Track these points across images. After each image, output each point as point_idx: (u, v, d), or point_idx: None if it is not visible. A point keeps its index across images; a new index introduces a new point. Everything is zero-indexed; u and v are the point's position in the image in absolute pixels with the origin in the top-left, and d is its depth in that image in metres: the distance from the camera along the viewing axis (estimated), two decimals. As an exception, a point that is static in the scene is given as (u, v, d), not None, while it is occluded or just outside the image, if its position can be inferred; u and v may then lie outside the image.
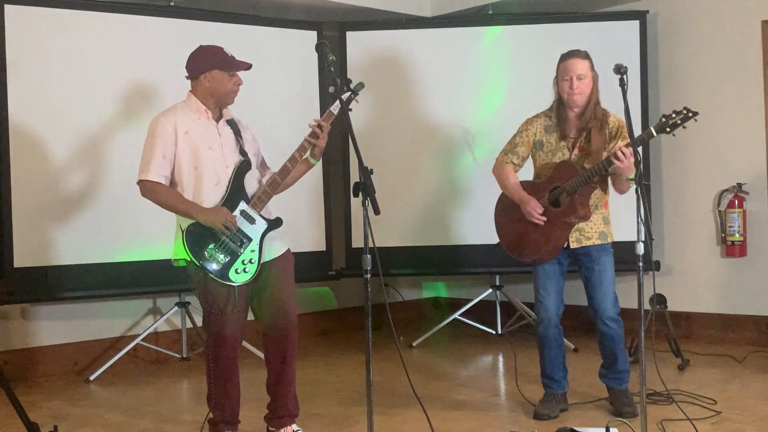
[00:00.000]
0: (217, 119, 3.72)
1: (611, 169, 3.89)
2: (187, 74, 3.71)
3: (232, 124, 3.76)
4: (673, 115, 3.77)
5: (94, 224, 5.34)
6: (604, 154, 3.97)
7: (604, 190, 4.14)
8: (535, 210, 4.06)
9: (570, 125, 4.09)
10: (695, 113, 3.74)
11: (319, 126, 3.67)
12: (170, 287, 5.56)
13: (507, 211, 4.27)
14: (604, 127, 4.04)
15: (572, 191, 3.97)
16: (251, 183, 3.74)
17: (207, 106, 3.69)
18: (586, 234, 4.11)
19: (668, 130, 3.78)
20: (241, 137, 3.75)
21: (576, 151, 4.08)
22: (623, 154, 3.76)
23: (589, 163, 4.00)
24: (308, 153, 3.74)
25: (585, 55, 4.04)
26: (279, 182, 3.70)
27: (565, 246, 4.11)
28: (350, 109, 3.57)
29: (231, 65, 3.66)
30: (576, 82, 3.97)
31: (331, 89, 3.48)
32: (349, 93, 3.63)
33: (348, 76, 6.20)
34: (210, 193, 3.64)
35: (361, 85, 3.66)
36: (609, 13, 6.28)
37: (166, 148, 3.61)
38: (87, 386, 5.24)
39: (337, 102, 3.50)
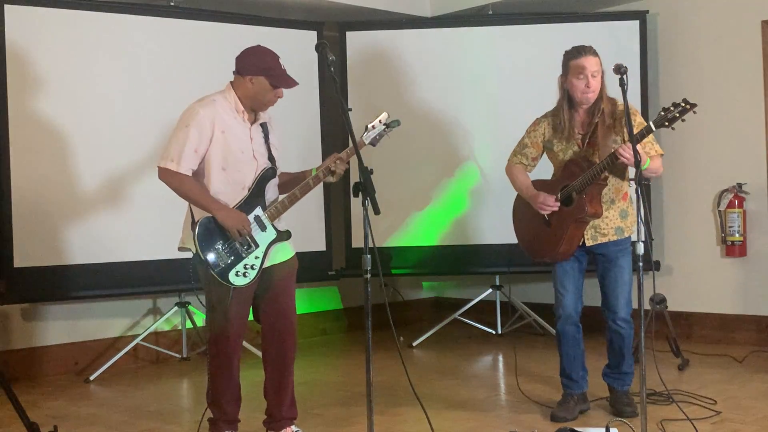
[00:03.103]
0: (252, 122, 3.71)
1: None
2: (235, 68, 3.68)
3: (264, 126, 3.75)
4: (672, 108, 3.71)
5: (94, 224, 5.34)
6: (616, 143, 3.93)
7: (622, 179, 4.07)
8: (545, 202, 4.02)
9: (577, 123, 4.05)
10: (693, 105, 3.68)
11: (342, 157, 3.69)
12: (170, 287, 5.56)
13: (521, 212, 4.26)
14: (614, 120, 3.98)
15: (580, 190, 3.94)
16: (271, 190, 3.75)
17: (244, 107, 3.67)
18: (601, 231, 4.06)
19: (667, 124, 3.73)
20: (269, 141, 3.75)
21: (586, 147, 4.03)
22: (622, 152, 3.73)
23: (600, 158, 3.93)
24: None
25: (595, 51, 3.97)
26: (298, 197, 3.70)
27: (581, 244, 4.08)
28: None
29: (279, 80, 3.63)
30: (591, 80, 3.91)
31: (369, 125, 3.64)
32: (383, 127, 3.69)
33: (348, 77, 6.23)
34: (233, 194, 3.63)
35: (397, 123, 3.70)
36: (609, 13, 6.28)
37: (200, 142, 3.58)
38: (87, 386, 5.24)
39: (370, 133, 3.66)
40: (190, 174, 3.60)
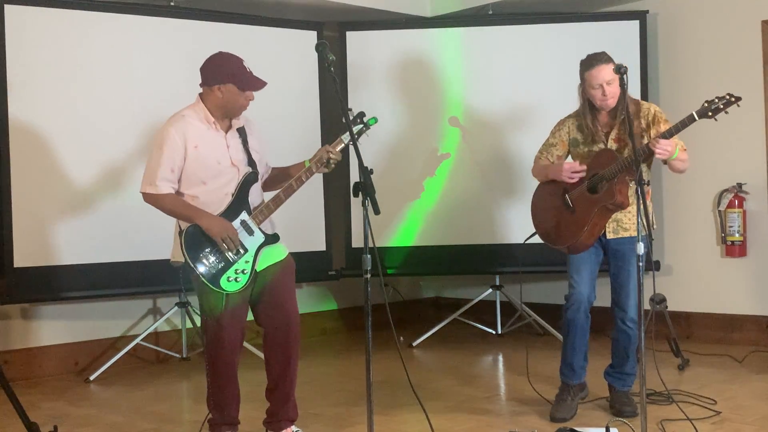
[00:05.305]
0: (226, 129, 3.69)
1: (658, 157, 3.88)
2: (201, 79, 3.67)
3: (241, 131, 3.74)
4: (716, 100, 3.76)
5: (94, 224, 5.33)
6: (643, 141, 3.95)
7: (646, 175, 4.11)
8: (572, 168, 4.02)
9: (600, 124, 4.09)
10: (738, 98, 3.74)
11: (330, 156, 3.67)
12: (170, 287, 5.55)
13: (542, 201, 4.26)
14: (639, 120, 4.02)
15: (611, 177, 3.95)
16: (255, 194, 3.74)
17: (215, 117, 3.65)
18: (623, 225, 4.08)
19: (710, 114, 3.77)
20: (248, 145, 3.74)
21: (611, 143, 4.06)
22: (657, 144, 3.78)
23: (627, 153, 3.96)
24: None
25: (607, 59, 3.98)
26: (283, 199, 3.69)
27: (601, 234, 4.08)
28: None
29: (247, 83, 3.61)
30: (607, 88, 3.95)
31: (345, 119, 3.53)
32: (361, 126, 3.67)
33: (348, 77, 6.23)
34: (218, 203, 3.63)
35: (374, 120, 3.69)
36: (609, 13, 6.28)
37: (175, 162, 3.59)
38: (87, 386, 5.24)
39: (348, 132, 3.55)
40: (172, 192, 3.61)
